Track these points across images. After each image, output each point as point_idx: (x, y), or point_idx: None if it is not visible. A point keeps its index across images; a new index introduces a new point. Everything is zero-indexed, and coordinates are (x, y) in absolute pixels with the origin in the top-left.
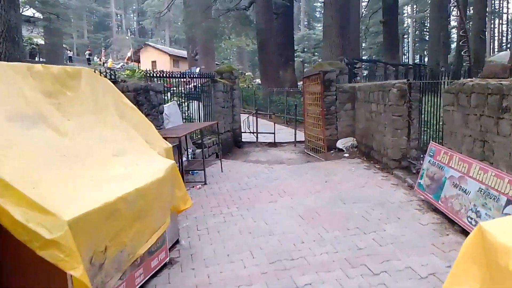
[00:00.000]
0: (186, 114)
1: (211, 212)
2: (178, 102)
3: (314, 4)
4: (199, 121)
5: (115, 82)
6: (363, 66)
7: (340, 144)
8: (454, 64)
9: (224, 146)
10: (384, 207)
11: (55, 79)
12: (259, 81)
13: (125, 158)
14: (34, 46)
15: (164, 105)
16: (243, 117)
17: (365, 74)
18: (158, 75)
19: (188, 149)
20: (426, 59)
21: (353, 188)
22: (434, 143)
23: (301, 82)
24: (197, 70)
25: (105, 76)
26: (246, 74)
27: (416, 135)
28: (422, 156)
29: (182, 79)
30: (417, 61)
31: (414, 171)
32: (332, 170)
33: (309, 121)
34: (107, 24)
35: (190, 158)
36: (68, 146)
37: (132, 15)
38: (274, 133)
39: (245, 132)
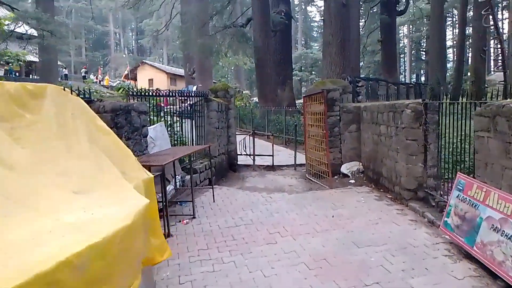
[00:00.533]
0: (178, 135)
1: (198, 257)
2: (170, 122)
3: (312, 24)
4: (191, 143)
5: (90, 101)
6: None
7: (344, 169)
8: (452, 83)
9: (218, 170)
10: (406, 252)
11: (10, 98)
12: (257, 99)
13: (87, 197)
14: (21, 63)
15: (149, 127)
16: (239, 137)
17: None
18: (142, 93)
19: (177, 176)
20: (423, 78)
21: (365, 225)
22: (462, 174)
23: (299, 101)
24: (194, 88)
25: (77, 95)
26: (244, 92)
27: (434, 162)
28: (443, 185)
29: (176, 97)
30: (413, 79)
31: (434, 204)
32: (339, 201)
33: (310, 143)
34: (105, 42)
35: (178, 186)
36: (14, 183)
37: (130, 34)
38: (272, 156)
39: (241, 155)
